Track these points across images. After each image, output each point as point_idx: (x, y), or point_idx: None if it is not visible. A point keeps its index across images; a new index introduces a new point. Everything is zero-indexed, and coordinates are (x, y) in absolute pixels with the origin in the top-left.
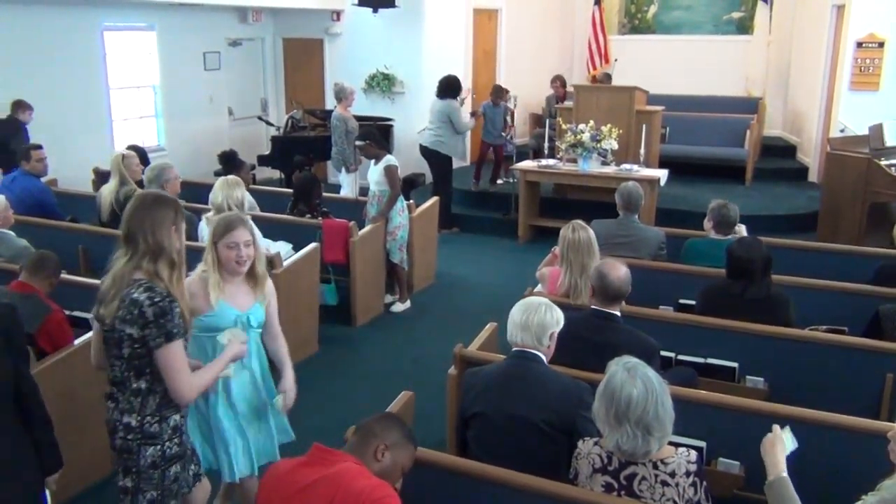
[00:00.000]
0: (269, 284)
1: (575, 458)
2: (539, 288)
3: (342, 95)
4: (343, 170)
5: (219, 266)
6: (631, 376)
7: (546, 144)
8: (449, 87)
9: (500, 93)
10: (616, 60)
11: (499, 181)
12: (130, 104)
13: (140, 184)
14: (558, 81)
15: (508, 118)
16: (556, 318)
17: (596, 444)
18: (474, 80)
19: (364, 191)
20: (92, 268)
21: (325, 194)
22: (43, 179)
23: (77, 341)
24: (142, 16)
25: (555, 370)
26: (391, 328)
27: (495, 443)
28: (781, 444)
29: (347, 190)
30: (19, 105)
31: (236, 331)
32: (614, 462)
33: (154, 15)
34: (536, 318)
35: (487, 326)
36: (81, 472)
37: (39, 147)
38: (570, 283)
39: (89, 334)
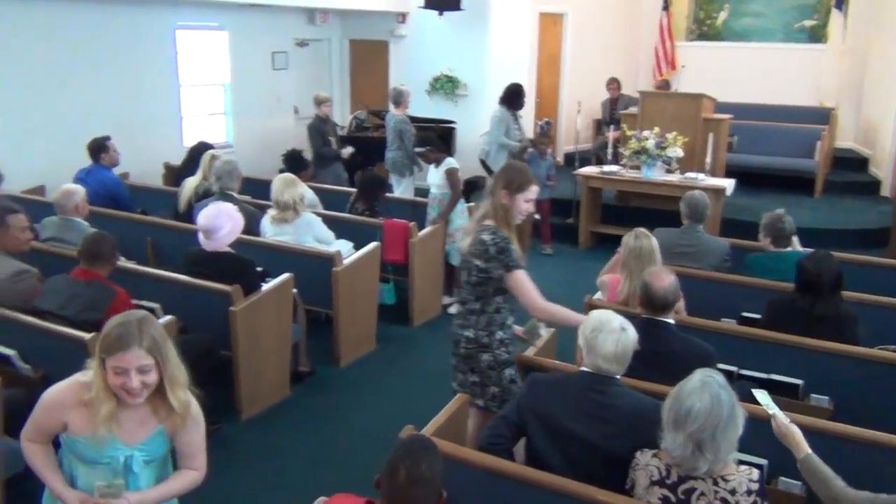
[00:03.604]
0: (192, 413)
1: (632, 468)
2: (598, 295)
3: (400, 99)
4: (399, 173)
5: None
6: (702, 389)
7: (609, 150)
8: (506, 95)
9: (545, 139)
10: (683, 67)
11: (547, 250)
12: (200, 101)
13: None
14: (614, 84)
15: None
16: (636, 337)
17: (654, 455)
18: (538, 84)
19: (422, 192)
20: (159, 259)
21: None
22: (116, 173)
23: None
24: (214, 15)
25: (632, 391)
26: (448, 330)
27: (568, 465)
28: (794, 428)
29: (401, 191)
30: (317, 98)
31: None
32: (673, 475)
33: (225, 15)
34: (629, 345)
35: (546, 333)
36: None
37: (110, 138)
38: (630, 291)
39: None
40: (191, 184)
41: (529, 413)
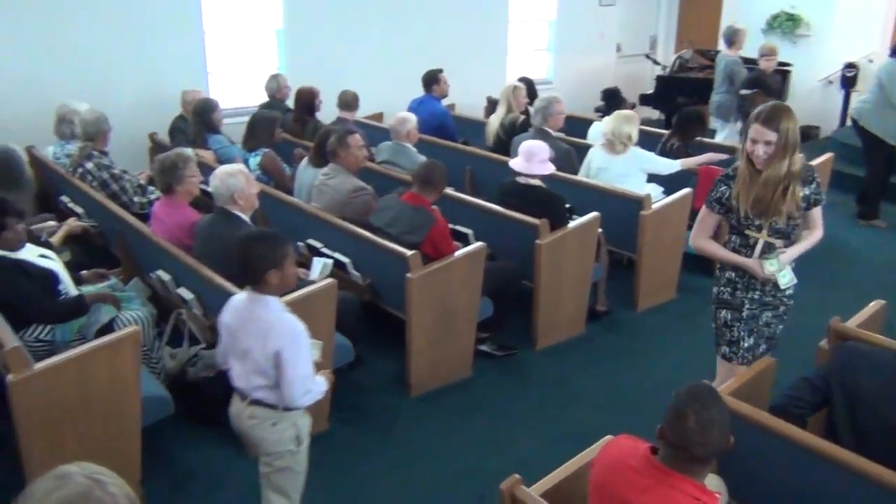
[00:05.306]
0: None
1: None
2: None
3: (734, 38)
4: (723, 118)
5: None
6: None
7: None
8: None
9: None
10: None
11: None
12: (526, 38)
13: (525, 113)
14: None
15: None
16: None
17: None
18: None
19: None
20: (475, 187)
21: (703, 140)
22: (444, 104)
23: (457, 253)
24: None
25: None
26: None
27: (860, 447)
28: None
29: (724, 137)
30: (764, 48)
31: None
32: None
33: None
34: None
35: (873, 304)
36: (448, 370)
37: (442, 71)
38: None
39: (469, 248)
40: (495, 118)
41: (836, 383)
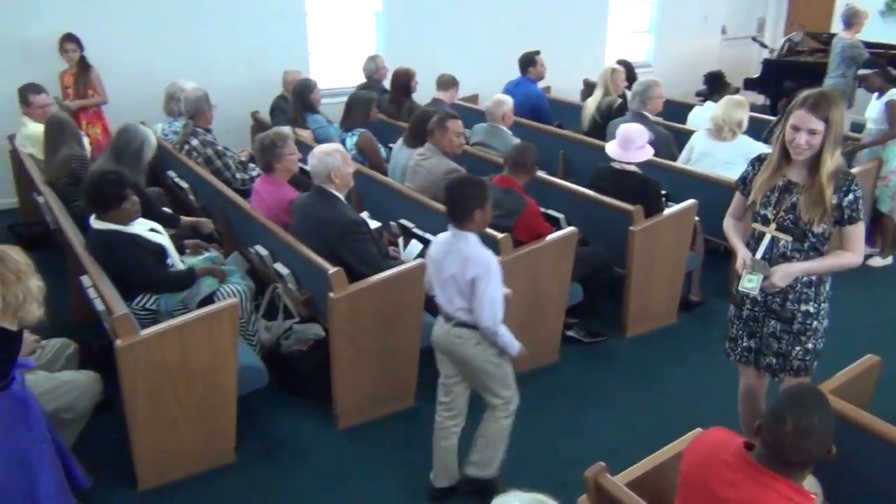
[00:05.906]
0: None
1: None
2: None
3: (854, 20)
4: None
5: None
6: None
7: None
8: None
9: None
10: None
11: None
12: (625, 19)
13: (623, 97)
14: None
15: None
16: None
17: None
18: None
19: (856, 128)
20: (569, 171)
21: None
22: (540, 86)
23: (549, 237)
24: None
25: None
26: (864, 283)
27: None
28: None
29: None
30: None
31: None
32: None
33: None
34: None
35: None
36: (535, 354)
37: (539, 53)
38: None
39: (560, 232)
40: (592, 101)
41: None
